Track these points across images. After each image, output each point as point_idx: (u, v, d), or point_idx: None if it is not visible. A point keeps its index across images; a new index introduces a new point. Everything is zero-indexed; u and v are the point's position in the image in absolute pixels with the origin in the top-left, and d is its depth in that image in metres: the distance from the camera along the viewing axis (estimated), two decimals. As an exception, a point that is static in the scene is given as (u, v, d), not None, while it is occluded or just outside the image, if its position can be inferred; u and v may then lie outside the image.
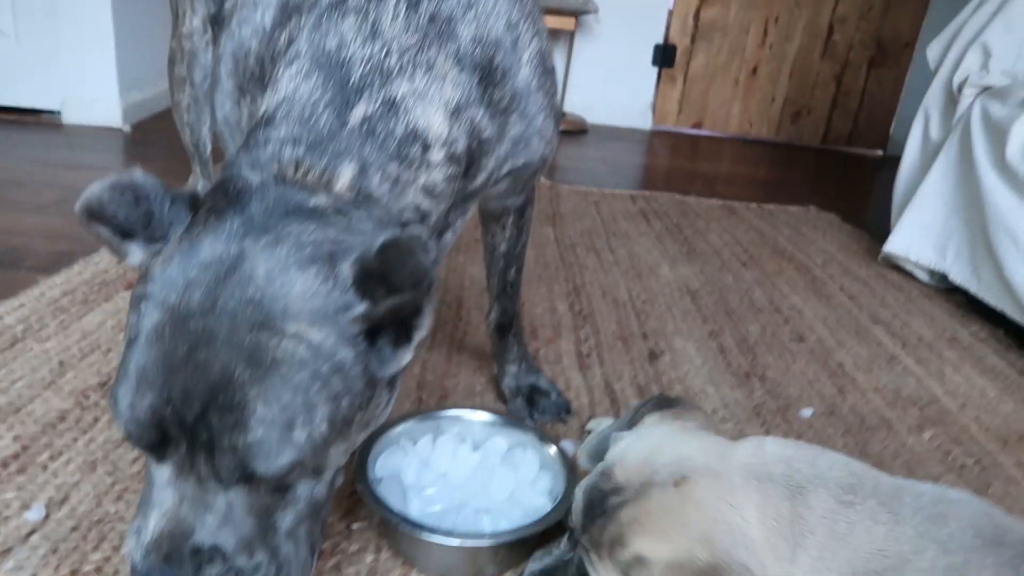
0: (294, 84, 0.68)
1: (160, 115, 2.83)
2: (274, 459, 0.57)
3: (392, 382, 0.65)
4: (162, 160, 2.28)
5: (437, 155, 0.69)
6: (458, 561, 0.81)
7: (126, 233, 0.61)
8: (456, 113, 0.71)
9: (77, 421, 1.01)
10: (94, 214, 0.60)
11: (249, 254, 0.58)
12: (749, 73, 3.79)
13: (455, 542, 0.79)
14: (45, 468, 0.92)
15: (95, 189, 0.60)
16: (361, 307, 0.59)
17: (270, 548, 0.62)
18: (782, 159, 3.56)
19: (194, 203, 0.63)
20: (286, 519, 0.63)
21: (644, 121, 3.86)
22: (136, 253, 0.62)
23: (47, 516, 0.84)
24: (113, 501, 0.88)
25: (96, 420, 1.02)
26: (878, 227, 2.26)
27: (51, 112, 2.63)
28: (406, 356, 0.63)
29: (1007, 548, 0.59)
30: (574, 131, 3.51)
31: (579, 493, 0.72)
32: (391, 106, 0.67)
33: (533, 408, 1.14)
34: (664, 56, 3.75)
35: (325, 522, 0.70)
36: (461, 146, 0.72)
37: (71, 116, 2.61)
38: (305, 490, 0.63)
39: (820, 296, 1.78)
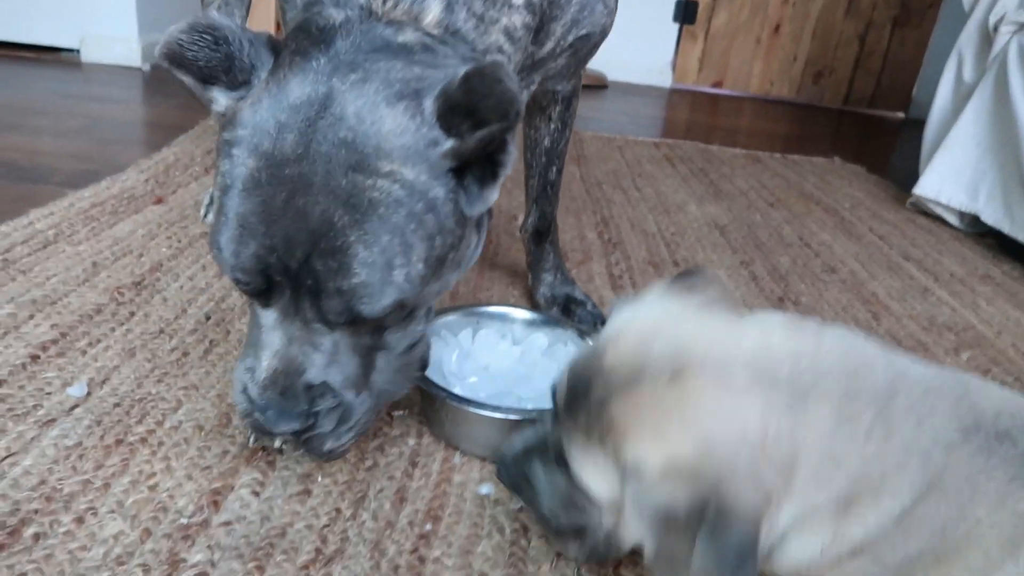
0: None
1: (178, 58, 2.80)
2: (377, 301, 0.58)
3: (480, 223, 0.66)
4: (182, 98, 2.25)
5: None
6: (502, 439, 0.80)
7: (208, 79, 0.61)
8: None
9: (113, 314, 1.01)
10: (175, 58, 0.59)
11: (337, 93, 0.58)
12: (771, 31, 3.74)
13: (501, 415, 0.78)
14: (84, 353, 0.91)
15: (172, 32, 0.59)
16: (449, 143, 0.58)
17: (372, 384, 0.65)
18: (803, 119, 3.52)
19: (274, 45, 0.63)
20: (385, 357, 0.65)
21: (664, 79, 3.82)
22: (220, 99, 0.62)
23: (89, 394, 0.84)
24: (154, 383, 0.87)
25: (132, 314, 1.01)
26: (904, 181, 2.23)
27: (70, 50, 2.60)
28: (492, 194, 0.63)
29: (982, 433, 0.55)
30: (594, 86, 3.47)
31: (564, 370, 0.62)
32: None
33: (569, 318, 1.13)
34: (686, 12, 3.70)
35: (421, 358, 0.73)
36: None
37: (90, 55, 2.59)
38: (401, 329, 0.65)
39: (850, 235, 1.76)
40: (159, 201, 1.39)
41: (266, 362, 0.62)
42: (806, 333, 0.58)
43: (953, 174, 1.88)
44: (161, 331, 0.98)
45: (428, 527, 0.72)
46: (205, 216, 1.34)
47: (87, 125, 1.87)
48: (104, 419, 0.80)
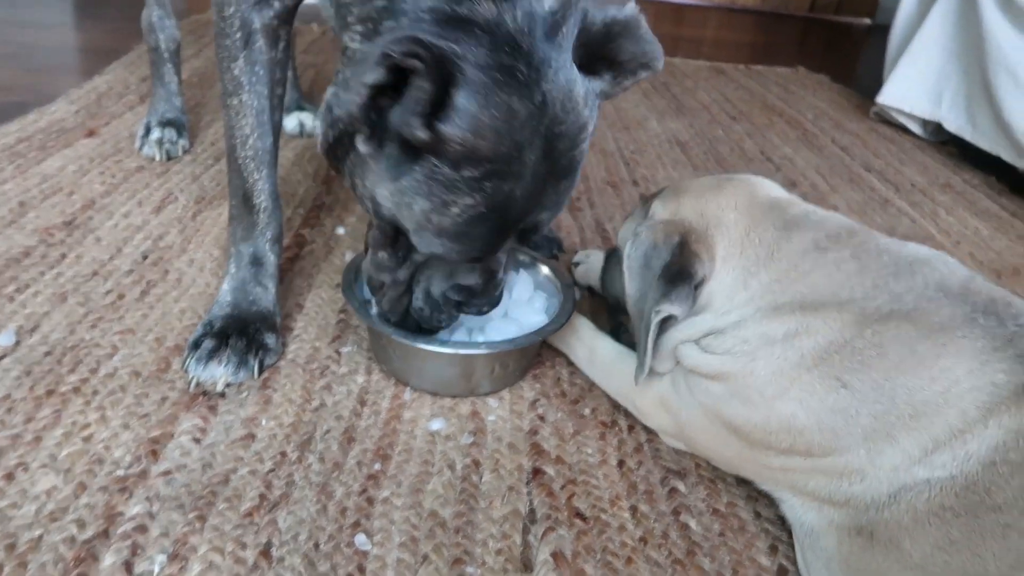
0: None
1: (110, -23, 2.62)
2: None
3: None
4: (114, 21, 2.12)
5: None
6: (453, 374, 0.79)
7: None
8: None
9: (43, 257, 0.96)
10: None
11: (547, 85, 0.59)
12: (737, -66, 3.59)
13: (448, 349, 0.76)
14: (12, 300, 0.87)
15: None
16: (598, 86, 0.65)
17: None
18: (768, 26, 3.43)
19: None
20: None
21: (626, -12, 3.68)
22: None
23: (18, 342, 0.80)
24: (88, 329, 0.83)
25: (63, 256, 0.96)
26: (868, 89, 2.19)
27: (-11, -30, 2.42)
28: None
29: (968, 304, 0.59)
30: None
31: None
32: None
33: (524, 244, 1.09)
34: (648, -85, 3.53)
35: None
36: None
37: (11, -26, 2.40)
38: None
39: (812, 147, 1.73)
40: (91, 134, 1.31)
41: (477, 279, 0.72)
42: (828, 213, 0.72)
43: (917, 81, 1.84)
44: (95, 273, 0.94)
45: (377, 467, 0.71)
46: (141, 148, 1.26)
47: (12, 52, 1.75)
48: (34, 369, 0.76)
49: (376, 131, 0.59)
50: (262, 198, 0.82)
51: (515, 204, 0.62)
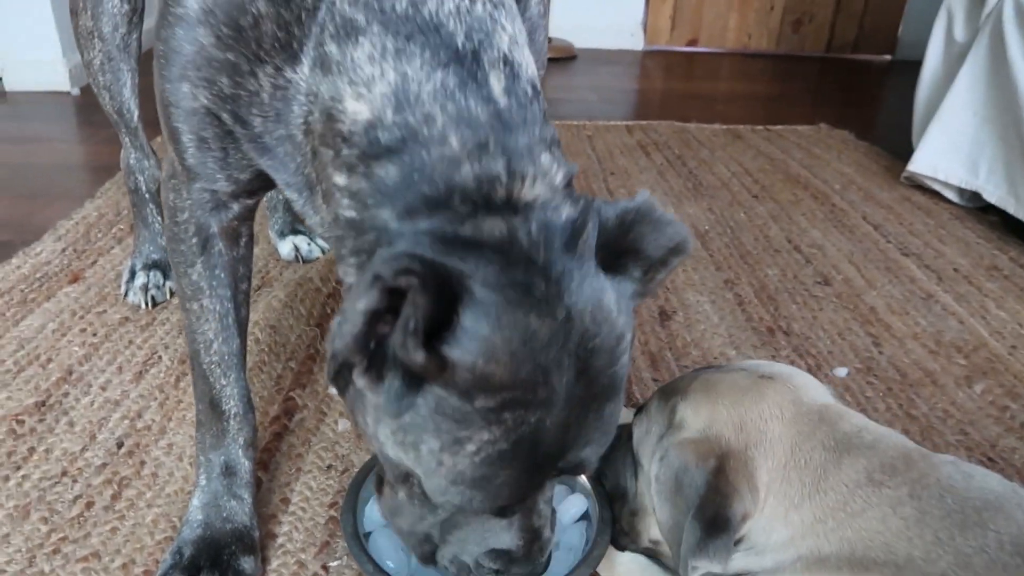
0: (390, 68, 0.50)
1: (114, 74, 2.61)
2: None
3: None
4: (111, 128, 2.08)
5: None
6: None
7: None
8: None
9: (10, 455, 0.88)
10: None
11: (565, 292, 0.51)
12: (745, -20, 3.52)
13: None
14: (-31, 519, 0.79)
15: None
16: (631, 287, 0.56)
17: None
18: (784, 72, 3.34)
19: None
20: None
21: (635, 42, 3.62)
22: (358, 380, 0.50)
23: (-31, 583, 0.72)
24: (48, 557, 0.75)
25: (32, 451, 0.89)
26: (895, 141, 2.09)
27: (-7, 79, 2.42)
28: None
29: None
30: (562, 57, 3.28)
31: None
32: (510, 66, 0.53)
33: None
34: (653, -33, 3.48)
35: None
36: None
37: (13, 82, 2.40)
38: None
39: (842, 228, 1.62)
40: (75, 280, 1.25)
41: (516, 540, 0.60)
42: (881, 429, 0.63)
43: (950, 147, 1.73)
44: (64, 473, 0.86)
45: None
46: (126, 294, 1.20)
47: (6, 177, 1.71)
48: (-17, 623, 0.68)
49: (374, 362, 0.49)
50: (231, 403, 0.74)
51: (546, 437, 0.52)
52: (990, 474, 0.56)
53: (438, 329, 0.47)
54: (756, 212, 1.69)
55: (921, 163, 1.78)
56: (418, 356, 0.45)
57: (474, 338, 0.47)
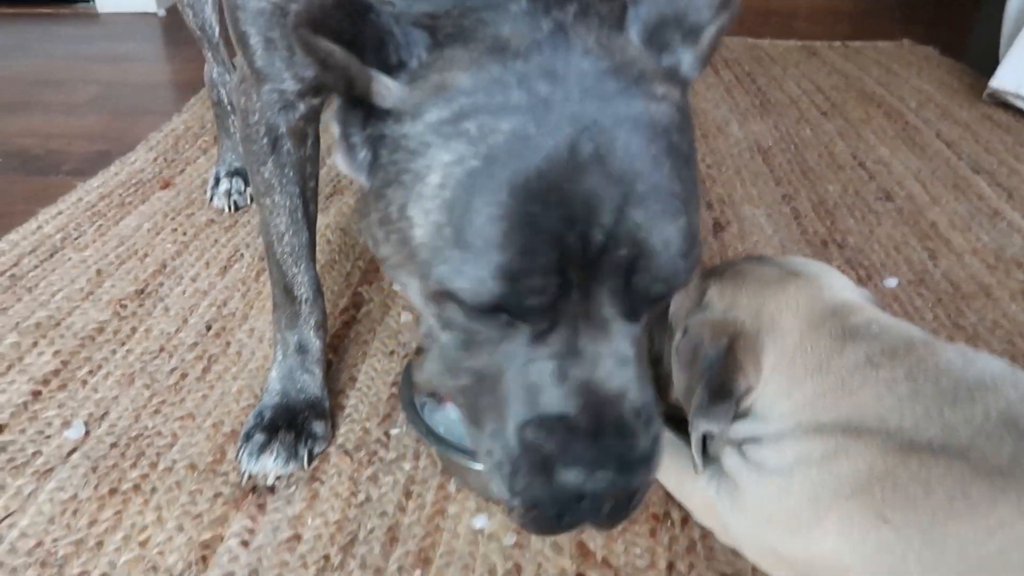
0: None
1: (196, -5, 2.71)
2: (694, 256, 0.46)
3: None
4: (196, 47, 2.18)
5: None
6: None
7: (360, 54, 0.46)
8: None
9: (115, 332, 1.00)
10: (319, 26, 0.43)
11: (567, 27, 0.46)
12: None
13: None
14: (85, 383, 0.91)
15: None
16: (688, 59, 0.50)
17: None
18: (873, -14, 3.16)
19: (423, 23, 0.48)
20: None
21: (714, -45, 3.47)
22: (388, 84, 0.46)
23: (87, 433, 0.84)
24: (151, 415, 0.86)
25: (134, 331, 1.00)
26: (983, 59, 1.98)
27: (86, 1, 2.55)
28: None
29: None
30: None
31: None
32: None
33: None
34: None
35: None
36: None
37: (105, 4, 2.53)
38: None
39: (912, 145, 1.59)
40: (166, 186, 1.36)
41: (569, 400, 0.46)
42: (895, 321, 0.66)
43: (1037, 61, 1.65)
44: (161, 349, 0.97)
45: (418, 573, 0.70)
46: (211, 199, 1.30)
47: (99, 95, 1.84)
48: (100, 464, 0.80)
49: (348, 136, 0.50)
50: (303, 290, 0.82)
51: (547, 169, 0.42)
52: (994, 359, 0.59)
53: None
54: (823, 129, 1.67)
55: (1005, 79, 1.70)
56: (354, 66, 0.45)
57: (419, 52, 0.46)
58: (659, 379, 0.78)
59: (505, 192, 0.42)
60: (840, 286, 0.70)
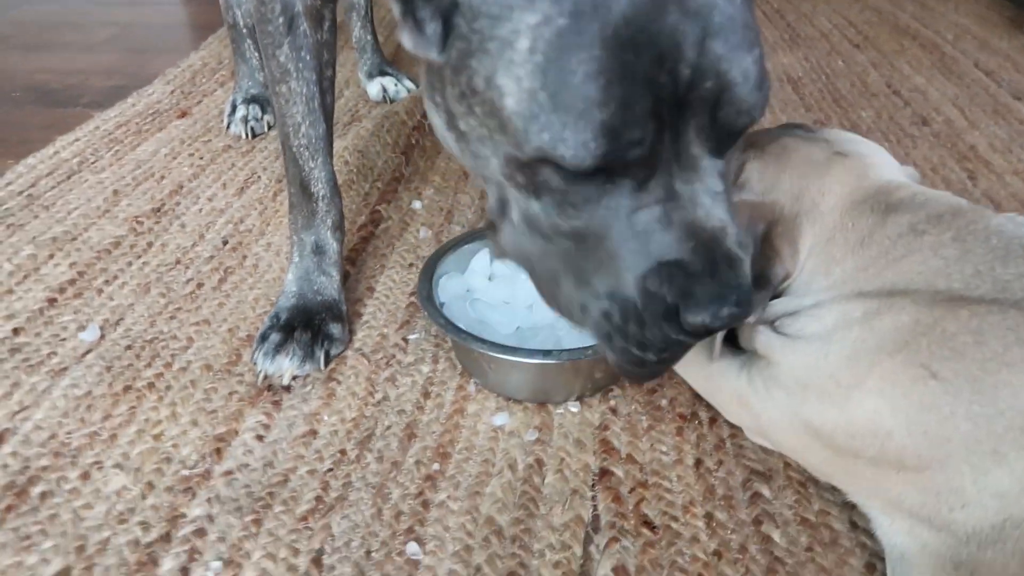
0: None
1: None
2: (764, 104, 0.47)
3: None
4: (216, -10, 2.16)
5: None
6: (561, 381, 0.73)
7: None
8: None
9: (132, 246, 0.99)
10: None
11: None
12: None
13: (553, 360, 0.69)
14: (100, 292, 0.90)
15: None
16: None
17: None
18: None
19: None
20: None
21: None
22: None
23: (102, 336, 0.83)
24: (167, 321, 0.85)
25: (150, 245, 0.99)
26: (1026, -7, 1.91)
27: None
28: None
29: None
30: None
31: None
32: None
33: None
34: None
35: None
36: None
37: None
38: None
39: (949, 74, 1.53)
40: (183, 115, 1.34)
41: (682, 244, 0.46)
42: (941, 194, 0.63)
43: (1084, -14, 1.57)
44: (177, 262, 0.96)
45: (436, 467, 0.68)
46: (228, 126, 1.28)
47: (117, 35, 1.82)
48: (114, 364, 0.79)
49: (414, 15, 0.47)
50: (319, 186, 0.80)
51: (619, 4, 0.42)
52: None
53: None
54: (855, 60, 1.61)
55: (1049, 6, 1.63)
56: None
57: None
58: None
59: (598, 46, 0.42)
60: (889, 166, 0.66)
